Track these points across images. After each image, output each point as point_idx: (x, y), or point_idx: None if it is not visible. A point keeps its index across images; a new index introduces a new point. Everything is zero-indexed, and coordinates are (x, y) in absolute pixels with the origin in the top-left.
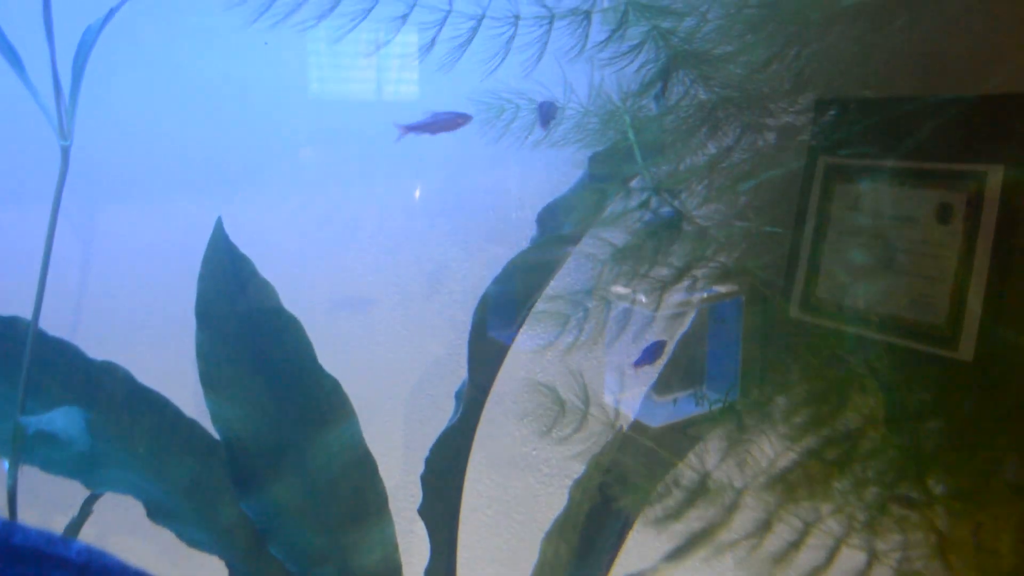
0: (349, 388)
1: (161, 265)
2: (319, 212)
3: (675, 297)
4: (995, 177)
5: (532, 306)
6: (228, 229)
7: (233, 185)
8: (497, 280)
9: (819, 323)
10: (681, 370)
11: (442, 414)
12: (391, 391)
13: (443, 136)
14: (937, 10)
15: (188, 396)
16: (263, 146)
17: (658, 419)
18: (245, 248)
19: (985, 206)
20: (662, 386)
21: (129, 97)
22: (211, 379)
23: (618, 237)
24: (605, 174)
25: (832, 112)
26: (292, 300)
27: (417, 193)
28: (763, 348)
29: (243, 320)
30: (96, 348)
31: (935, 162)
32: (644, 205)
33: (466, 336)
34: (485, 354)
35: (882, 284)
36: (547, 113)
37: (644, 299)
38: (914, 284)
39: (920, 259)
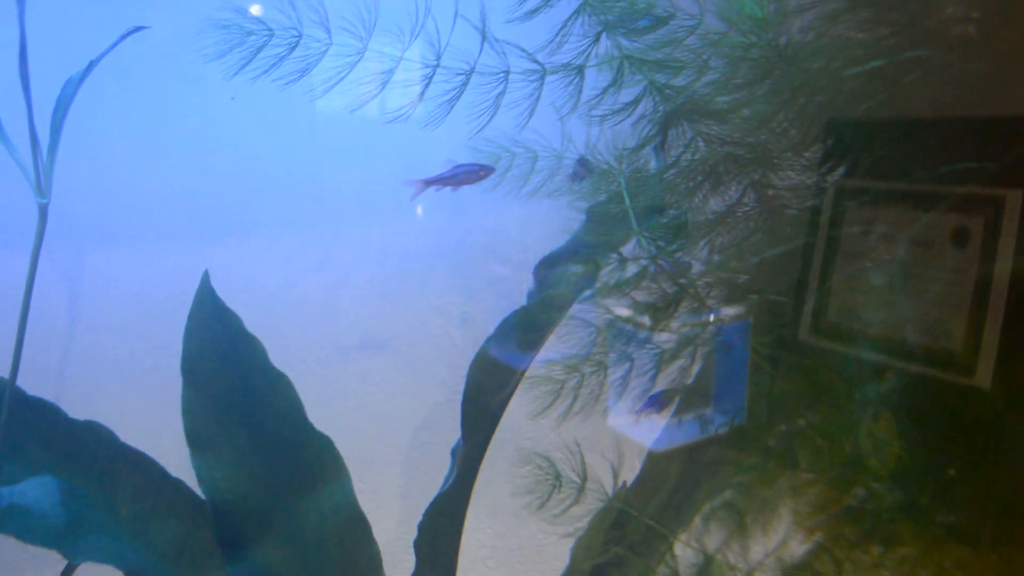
0: (344, 437)
1: (149, 315)
2: (312, 256)
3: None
4: (1014, 201)
5: (527, 368)
6: (218, 275)
7: (224, 230)
8: (491, 339)
9: (829, 347)
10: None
11: (441, 463)
12: (389, 439)
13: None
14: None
15: (175, 454)
16: (254, 190)
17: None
18: (236, 294)
19: (1003, 230)
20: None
21: (116, 143)
22: (197, 438)
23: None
24: (600, 234)
25: (843, 133)
26: (284, 347)
27: (419, 210)
28: (772, 373)
29: (230, 378)
30: (80, 404)
31: (952, 185)
32: (641, 276)
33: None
34: (479, 416)
35: (895, 309)
36: (581, 170)
37: (648, 321)
38: (929, 309)
39: (935, 284)
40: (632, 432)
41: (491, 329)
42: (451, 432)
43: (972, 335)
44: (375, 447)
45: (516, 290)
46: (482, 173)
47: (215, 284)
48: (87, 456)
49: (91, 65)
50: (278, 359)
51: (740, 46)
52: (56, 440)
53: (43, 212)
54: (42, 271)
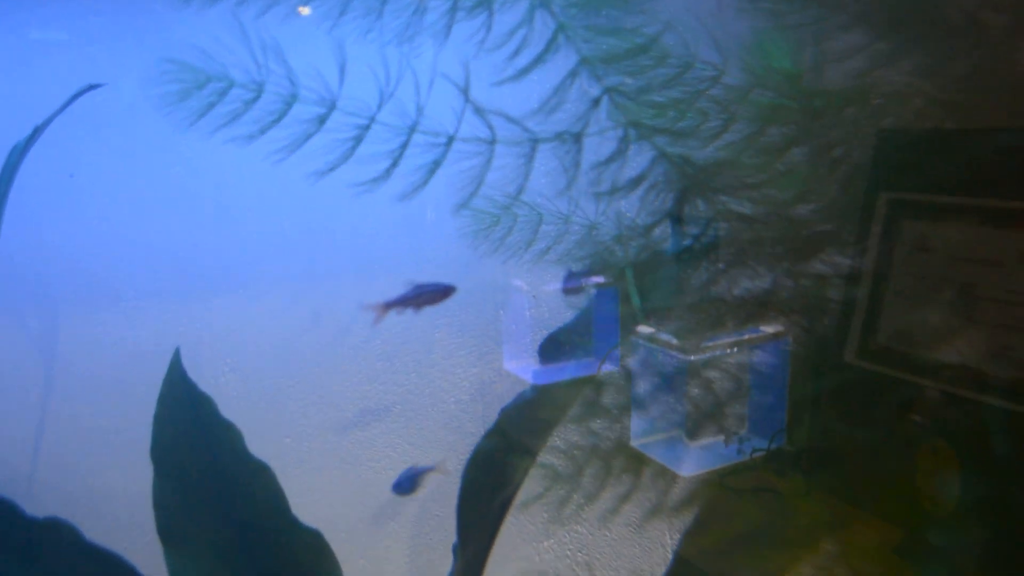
0: (343, 513)
1: (129, 381)
2: (304, 313)
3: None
4: None
5: (530, 465)
6: (204, 334)
7: (210, 288)
8: (490, 434)
9: (880, 372)
10: None
11: (450, 537)
12: (394, 512)
13: (446, 229)
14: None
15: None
16: (240, 247)
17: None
18: (221, 355)
19: None
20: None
21: (94, 200)
22: (170, 533)
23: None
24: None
25: (898, 143)
26: (276, 413)
27: (430, 214)
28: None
29: (206, 467)
30: (56, 482)
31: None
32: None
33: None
34: (479, 519)
35: (957, 333)
36: (573, 283)
37: (676, 343)
38: (996, 334)
39: (1003, 307)
40: None
41: (502, 392)
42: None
43: None
44: (379, 519)
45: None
46: (447, 292)
47: (202, 347)
48: (49, 557)
49: (36, 131)
50: (271, 428)
51: (767, 107)
52: (14, 539)
53: None
54: (16, 338)
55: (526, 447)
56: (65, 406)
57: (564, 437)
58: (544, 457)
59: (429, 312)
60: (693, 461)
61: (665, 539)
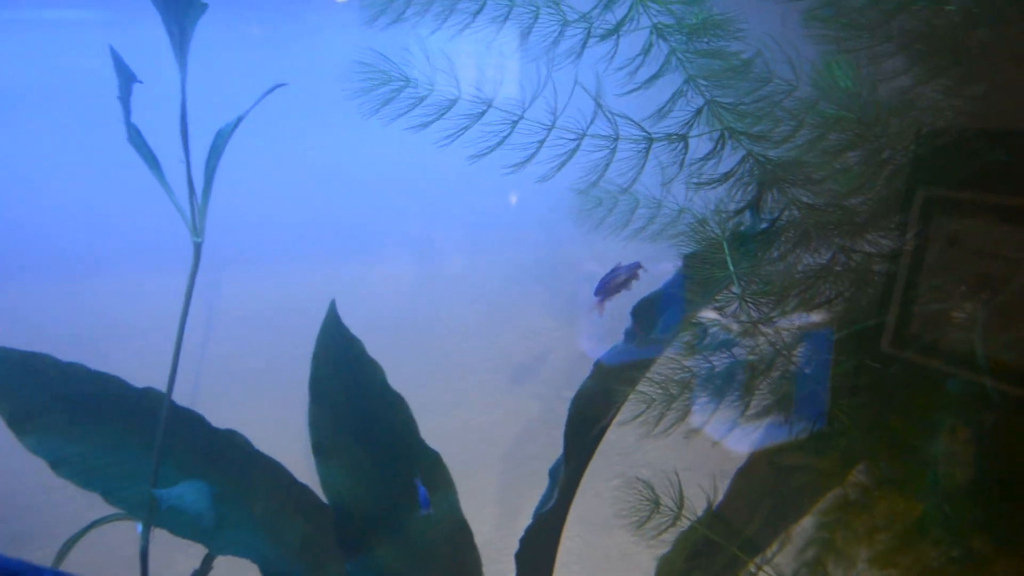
0: (448, 450)
1: (277, 331)
2: (417, 278)
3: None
4: None
5: (623, 402)
6: (342, 297)
7: (347, 253)
8: (591, 376)
9: (910, 360)
10: None
11: (533, 475)
12: (488, 451)
13: (544, 203)
14: None
15: (300, 462)
16: (376, 217)
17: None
18: (357, 314)
19: None
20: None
21: (245, 177)
22: (322, 448)
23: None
24: (695, 292)
25: (934, 143)
26: (415, 356)
27: (513, 199)
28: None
29: (352, 396)
30: (214, 414)
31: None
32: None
33: (561, 401)
34: (581, 444)
35: (983, 326)
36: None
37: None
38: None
39: None
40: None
41: (583, 349)
42: (544, 447)
43: None
44: (475, 459)
45: (613, 319)
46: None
47: (340, 305)
48: (226, 461)
49: (239, 119)
50: (407, 368)
51: (832, 117)
52: (200, 446)
53: (197, 250)
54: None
55: (620, 387)
56: (221, 347)
57: (659, 372)
58: (641, 387)
59: (525, 277)
60: (747, 438)
61: None
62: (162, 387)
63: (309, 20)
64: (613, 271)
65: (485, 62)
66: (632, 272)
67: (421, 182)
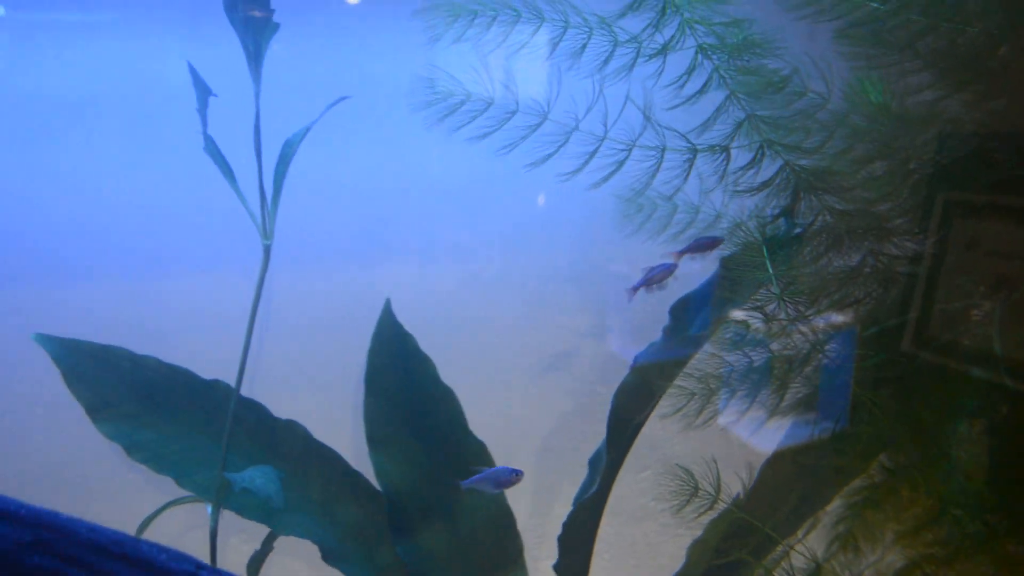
0: (488, 441)
1: (331, 327)
2: (460, 279)
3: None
4: None
5: (661, 395)
6: (394, 295)
7: (396, 254)
8: (632, 371)
9: (929, 359)
10: None
11: (566, 465)
12: (524, 443)
13: (577, 204)
14: None
15: (351, 451)
16: (420, 222)
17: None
18: (402, 312)
19: None
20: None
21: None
22: (376, 438)
23: None
24: (732, 292)
25: (956, 153)
26: (464, 353)
27: (541, 199)
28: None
29: (405, 389)
30: (272, 405)
31: None
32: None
33: (592, 396)
34: (622, 434)
35: (1001, 326)
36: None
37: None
38: None
39: None
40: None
41: (613, 347)
42: (576, 439)
43: None
44: (512, 449)
45: (648, 318)
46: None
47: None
48: (286, 448)
49: (306, 129)
50: (458, 363)
51: (862, 129)
52: (262, 434)
53: (267, 252)
54: (242, 288)
55: (660, 382)
56: (282, 343)
57: (698, 367)
58: (681, 381)
59: (558, 276)
60: (773, 434)
61: None
62: (227, 379)
63: (369, 39)
64: (654, 268)
65: (537, 76)
66: (669, 271)
67: (466, 190)
